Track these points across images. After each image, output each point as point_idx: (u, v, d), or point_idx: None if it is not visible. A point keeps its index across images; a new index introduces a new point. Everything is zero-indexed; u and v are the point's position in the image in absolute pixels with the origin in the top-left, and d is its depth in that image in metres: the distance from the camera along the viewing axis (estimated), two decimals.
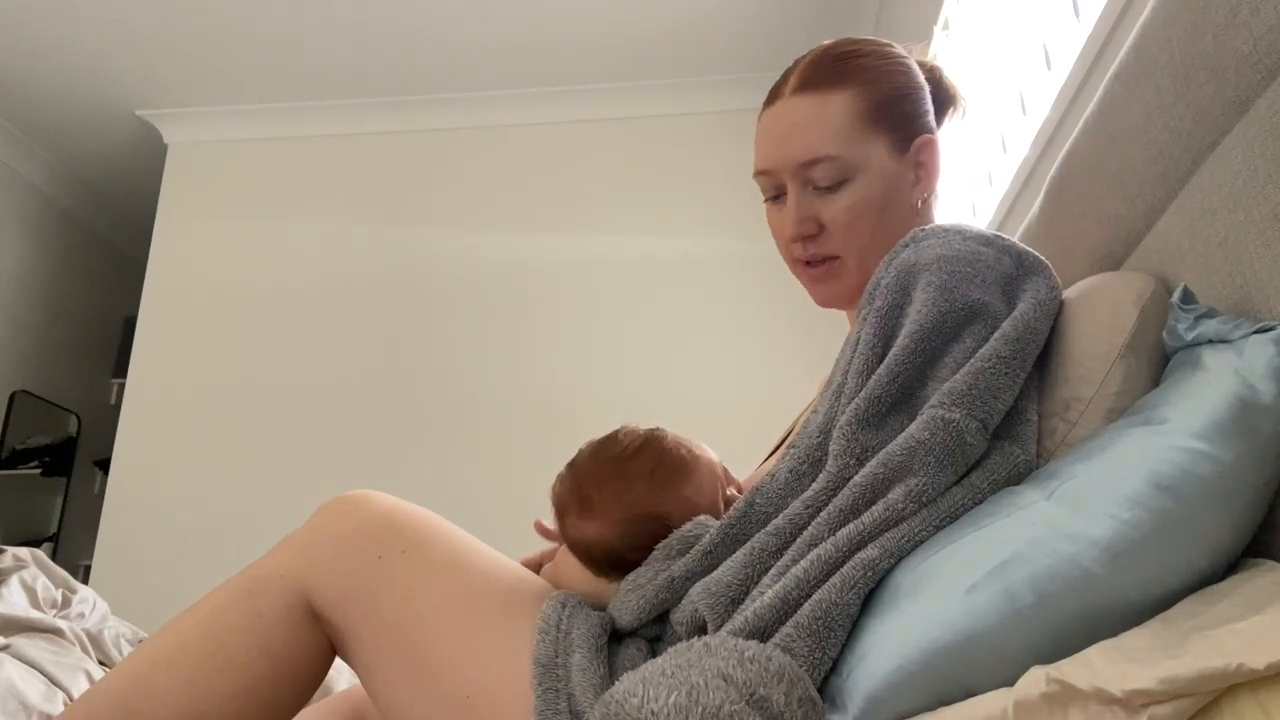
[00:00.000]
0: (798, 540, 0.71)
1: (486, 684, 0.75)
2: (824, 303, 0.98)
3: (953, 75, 1.03)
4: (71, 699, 1.24)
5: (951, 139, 1.04)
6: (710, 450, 0.90)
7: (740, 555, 0.73)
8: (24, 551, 1.56)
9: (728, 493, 0.88)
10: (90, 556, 3.13)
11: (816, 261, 0.94)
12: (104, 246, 4.33)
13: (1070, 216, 0.99)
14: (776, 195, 0.96)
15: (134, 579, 2.94)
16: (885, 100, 0.92)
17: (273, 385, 3.20)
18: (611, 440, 0.88)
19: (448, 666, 0.77)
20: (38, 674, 1.26)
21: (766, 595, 0.68)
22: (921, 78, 0.97)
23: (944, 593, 0.61)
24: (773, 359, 2.99)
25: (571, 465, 0.88)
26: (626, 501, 0.83)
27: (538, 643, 0.75)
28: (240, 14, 3.00)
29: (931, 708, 0.58)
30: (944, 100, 1.01)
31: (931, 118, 0.97)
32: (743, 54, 3.19)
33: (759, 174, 0.96)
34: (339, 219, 3.39)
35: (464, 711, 0.75)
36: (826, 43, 0.97)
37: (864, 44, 0.96)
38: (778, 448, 1.06)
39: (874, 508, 0.70)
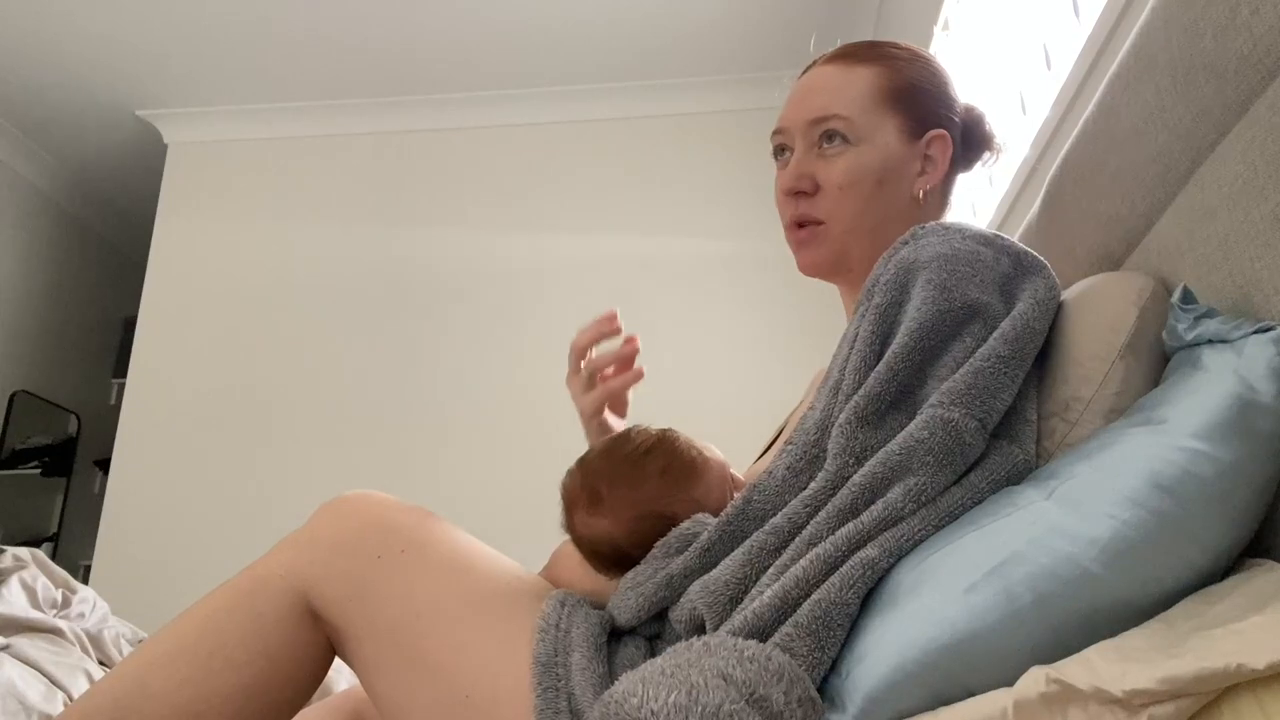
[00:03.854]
0: (796, 539, 0.71)
1: (486, 683, 0.75)
2: (805, 269, 0.99)
3: (994, 122, 1.04)
4: (71, 699, 1.24)
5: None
6: (719, 452, 0.90)
7: (739, 554, 0.73)
8: (24, 551, 1.56)
9: (733, 495, 0.88)
10: (90, 556, 3.13)
11: (804, 225, 0.96)
12: (104, 246, 4.33)
13: (1070, 217, 0.99)
14: (785, 153, 0.99)
15: (134, 579, 2.94)
16: (907, 86, 0.95)
17: (273, 385, 3.21)
18: (624, 438, 0.88)
19: (447, 666, 0.77)
20: (38, 674, 1.26)
21: (765, 594, 0.68)
22: (951, 85, 0.99)
23: (943, 592, 0.61)
24: (772, 359, 2.99)
25: (582, 461, 0.89)
26: (636, 500, 0.83)
27: (537, 641, 0.75)
28: (240, 14, 3.00)
29: (931, 707, 0.58)
30: (980, 142, 1.02)
31: (952, 121, 0.98)
32: (744, 54, 3.19)
33: (775, 133, 1.00)
34: (339, 219, 3.39)
35: (464, 711, 0.75)
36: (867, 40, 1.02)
37: (902, 43, 1.01)
38: (771, 444, 1.06)
39: (873, 507, 0.70)
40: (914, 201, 0.95)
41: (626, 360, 1.01)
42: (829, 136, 0.94)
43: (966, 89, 1.05)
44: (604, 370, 1.01)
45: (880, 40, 1.00)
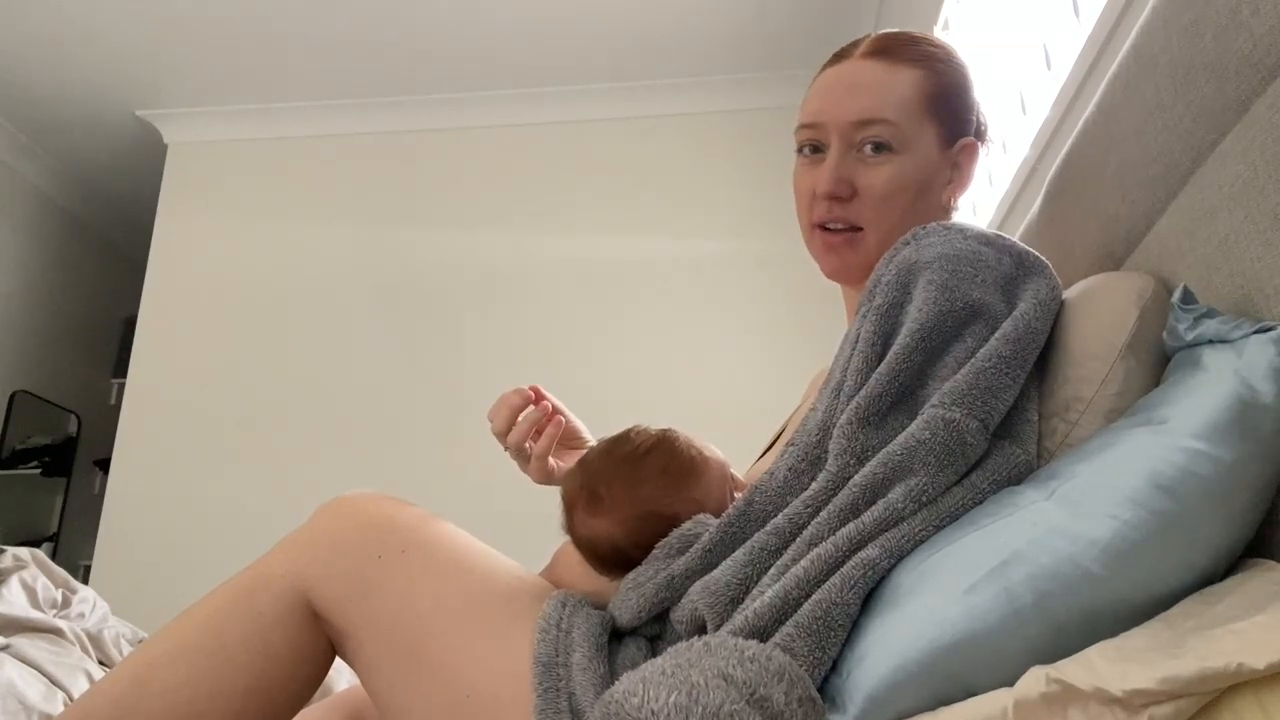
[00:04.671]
0: (798, 539, 0.71)
1: (486, 683, 0.75)
2: (832, 274, 0.96)
3: (988, 112, 1.03)
4: (71, 699, 1.24)
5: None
6: (719, 451, 0.90)
7: (740, 554, 0.73)
8: (24, 551, 1.56)
9: (734, 495, 0.88)
10: (90, 556, 3.13)
11: (838, 229, 0.93)
12: (104, 246, 4.33)
13: (1070, 216, 0.99)
14: (815, 149, 0.94)
15: (134, 579, 2.93)
16: (948, 92, 0.93)
17: (272, 385, 3.20)
18: (623, 439, 0.88)
19: (448, 666, 0.77)
20: (38, 674, 1.26)
21: (766, 595, 0.68)
22: (974, 85, 0.99)
23: (944, 592, 0.61)
24: (771, 359, 2.99)
25: (582, 462, 0.88)
26: (635, 500, 0.83)
27: (538, 642, 0.75)
28: (240, 14, 3.00)
29: (931, 708, 0.58)
30: (978, 135, 1.01)
31: (973, 125, 0.97)
32: (743, 54, 3.19)
33: (804, 126, 0.95)
34: (339, 219, 3.39)
35: (464, 711, 0.75)
36: (895, 29, 0.98)
37: (935, 38, 0.98)
38: (771, 445, 1.06)
39: (874, 507, 0.70)
40: (942, 210, 0.95)
41: (542, 416, 0.99)
42: (872, 142, 0.90)
43: (996, 127, 1.05)
44: (531, 436, 0.99)
45: (916, 36, 0.96)
